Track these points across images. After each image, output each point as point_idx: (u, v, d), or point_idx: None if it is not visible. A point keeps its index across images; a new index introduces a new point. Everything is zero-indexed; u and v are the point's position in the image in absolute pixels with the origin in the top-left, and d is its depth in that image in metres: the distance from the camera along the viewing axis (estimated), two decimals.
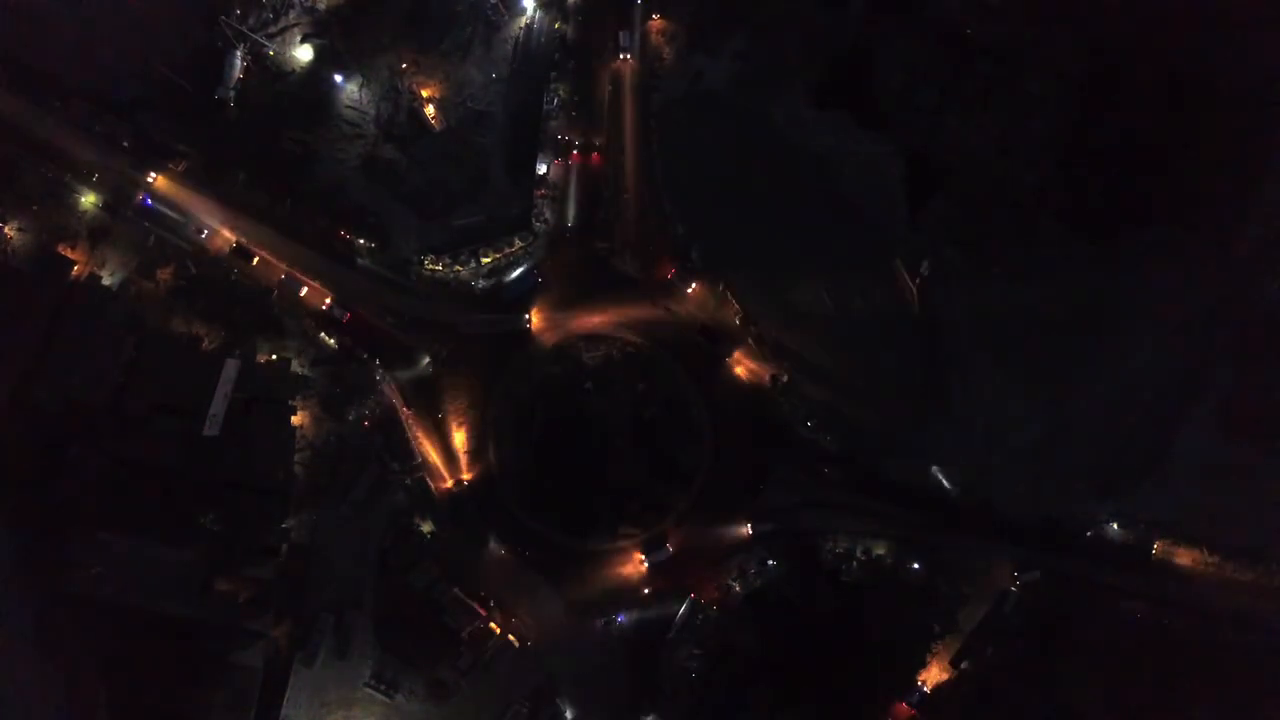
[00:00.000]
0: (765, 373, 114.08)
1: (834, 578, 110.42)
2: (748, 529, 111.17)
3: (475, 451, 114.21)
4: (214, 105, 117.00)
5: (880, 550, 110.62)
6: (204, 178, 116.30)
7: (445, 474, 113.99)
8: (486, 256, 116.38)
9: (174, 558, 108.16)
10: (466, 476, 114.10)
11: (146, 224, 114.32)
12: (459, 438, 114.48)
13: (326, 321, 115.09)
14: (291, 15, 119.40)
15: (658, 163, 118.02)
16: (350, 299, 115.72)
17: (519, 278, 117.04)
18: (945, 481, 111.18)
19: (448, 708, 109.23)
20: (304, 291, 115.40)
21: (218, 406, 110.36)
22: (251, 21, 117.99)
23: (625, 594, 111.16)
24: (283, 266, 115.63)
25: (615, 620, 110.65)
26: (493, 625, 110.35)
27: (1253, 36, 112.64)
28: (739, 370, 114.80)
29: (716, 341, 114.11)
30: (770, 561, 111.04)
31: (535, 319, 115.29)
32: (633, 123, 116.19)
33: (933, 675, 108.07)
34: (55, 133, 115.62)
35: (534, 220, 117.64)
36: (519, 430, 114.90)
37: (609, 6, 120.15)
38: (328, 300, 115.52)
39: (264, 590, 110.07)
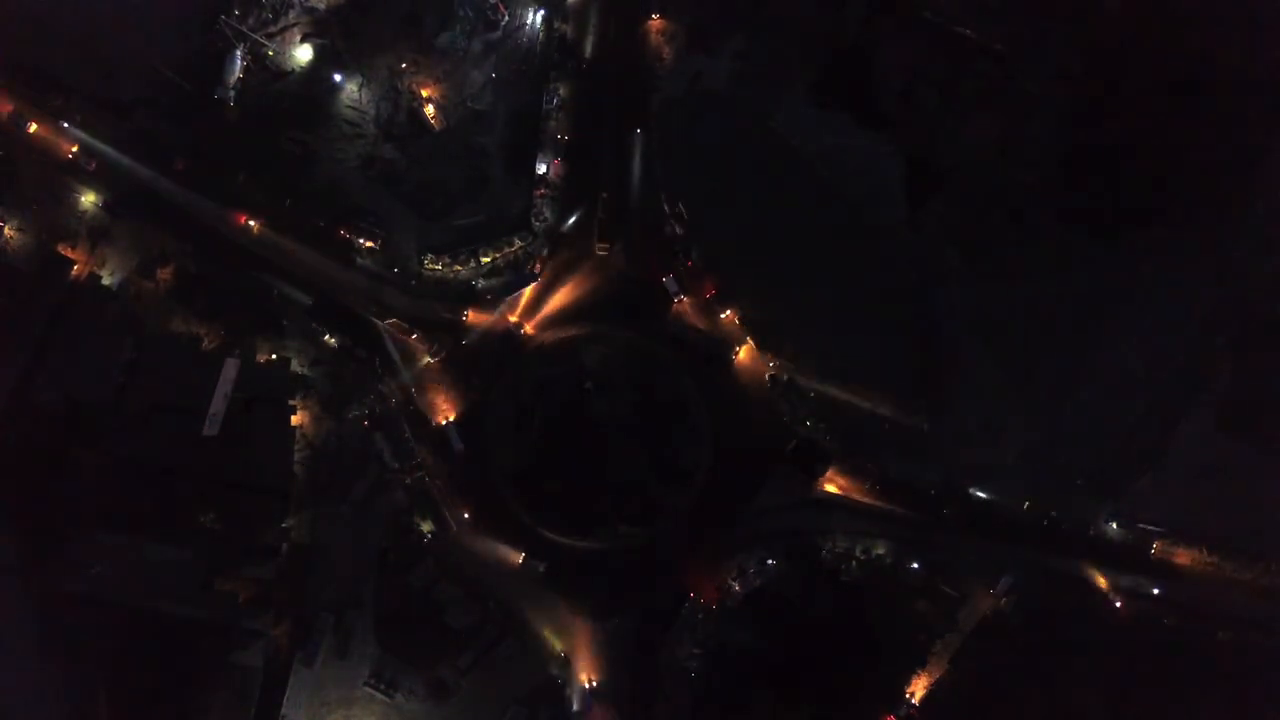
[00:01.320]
0: (765, 372, 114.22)
1: (834, 577, 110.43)
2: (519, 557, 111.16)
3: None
4: (214, 105, 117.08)
5: (880, 550, 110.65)
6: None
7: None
8: (486, 256, 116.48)
9: (174, 558, 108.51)
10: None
11: None
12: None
13: (74, 171, 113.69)
14: (291, 15, 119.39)
15: (658, 163, 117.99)
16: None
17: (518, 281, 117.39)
18: (985, 496, 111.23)
19: (448, 708, 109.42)
20: (33, 128, 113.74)
21: (218, 406, 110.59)
22: (251, 21, 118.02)
23: (626, 594, 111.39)
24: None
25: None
26: (493, 625, 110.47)
27: (1253, 36, 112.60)
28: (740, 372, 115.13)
29: (812, 460, 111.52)
30: (770, 561, 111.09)
31: None
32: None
33: (932, 675, 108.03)
34: (55, 133, 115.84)
35: (534, 220, 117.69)
36: (519, 430, 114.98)
37: (609, 8, 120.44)
38: (74, 149, 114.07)
39: (264, 590, 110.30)
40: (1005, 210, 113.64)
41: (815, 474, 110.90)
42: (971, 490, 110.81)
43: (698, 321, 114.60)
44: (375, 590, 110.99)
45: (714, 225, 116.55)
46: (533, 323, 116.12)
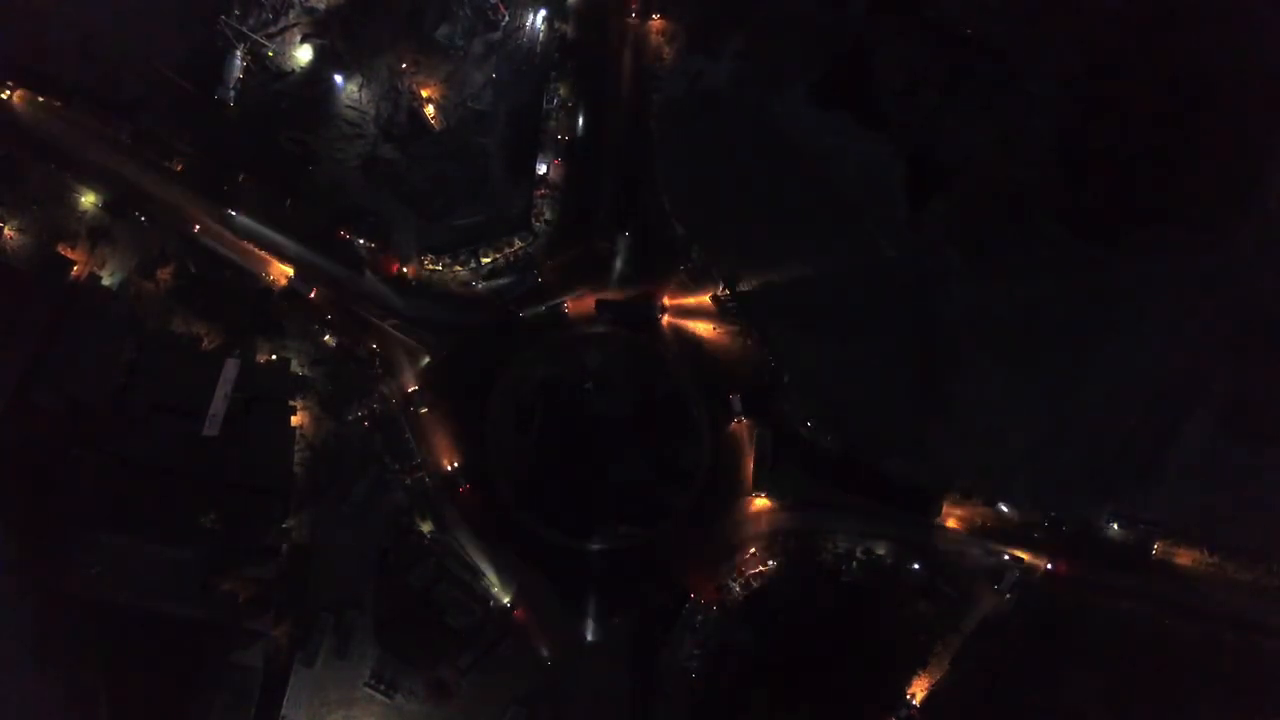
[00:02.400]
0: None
1: (834, 578, 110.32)
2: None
3: None
4: (214, 105, 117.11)
5: (880, 550, 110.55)
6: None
7: None
8: (486, 256, 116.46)
9: (174, 558, 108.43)
10: None
11: None
12: None
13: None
14: (291, 15, 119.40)
15: (658, 163, 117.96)
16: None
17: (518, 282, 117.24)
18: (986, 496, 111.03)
19: (448, 708, 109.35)
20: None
21: (218, 406, 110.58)
22: (251, 21, 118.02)
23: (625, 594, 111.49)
24: None
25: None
26: (492, 625, 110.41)
27: (1253, 36, 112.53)
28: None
29: (925, 504, 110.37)
30: (770, 562, 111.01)
31: None
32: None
33: (932, 676, 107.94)
34: (56, 133, 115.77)
35: (534, 220, 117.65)
36: (519, 430, 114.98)
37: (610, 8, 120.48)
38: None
39: (264, 590, 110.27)
40: (1005, 210, 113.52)
41: (932, 514, 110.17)
42: (972, 490, 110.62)
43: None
44: (375, 590, 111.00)
45: (714, 225, 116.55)
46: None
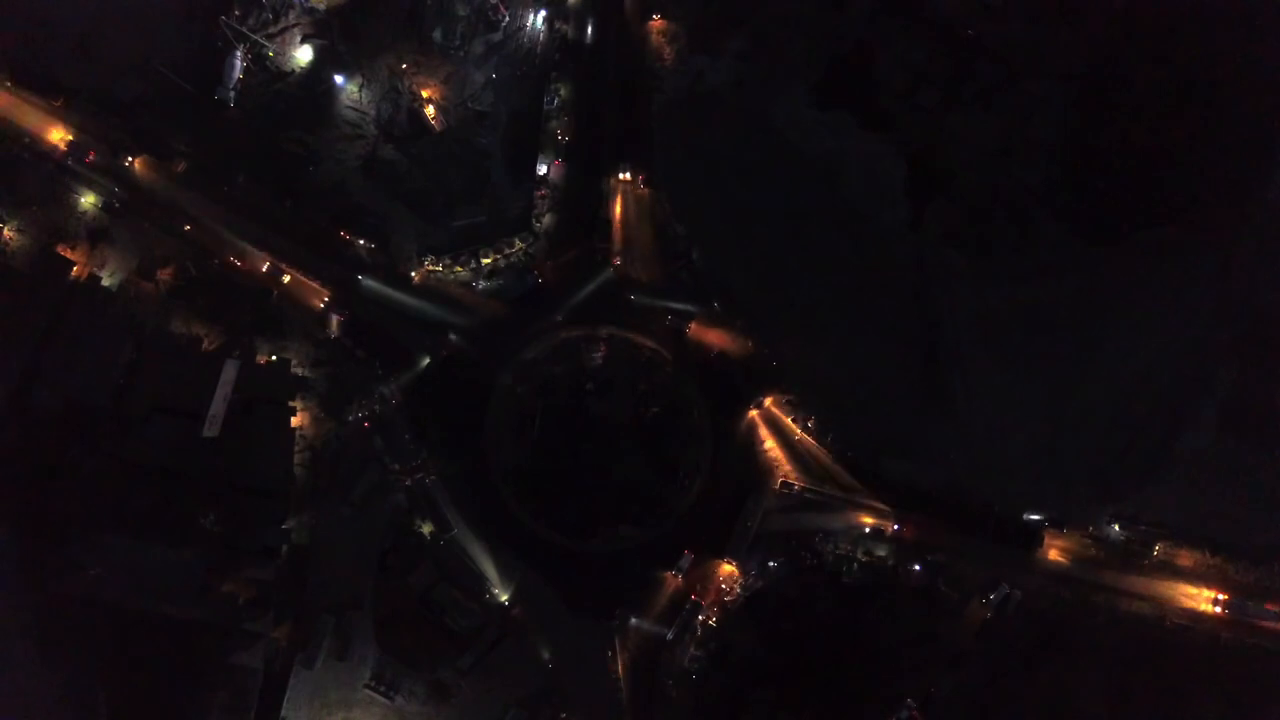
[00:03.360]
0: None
1: (835, 579, 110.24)
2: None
3: None
4: (214, 105, 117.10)
5: (881, 551, 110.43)
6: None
7: None
8: (486, 257, 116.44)
9: (174, 558, 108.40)
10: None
11: None
12: None
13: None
14: (291, 15, 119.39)
15: (658, 164, 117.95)
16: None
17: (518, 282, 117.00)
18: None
19: (448, 708, 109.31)
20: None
21: (218, 407, 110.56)
22: (251, 21, 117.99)
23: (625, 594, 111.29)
24: None
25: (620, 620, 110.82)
26: (493, 626, 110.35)
27: (1254, 37, 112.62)
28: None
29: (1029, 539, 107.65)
30: (770, 562, 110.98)
31: None
32: None
33: (933, 677, 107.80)
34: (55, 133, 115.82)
35: (534, 220, 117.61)
36: (519, 430, 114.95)
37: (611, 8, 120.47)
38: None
39: (264, 591, 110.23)
40: (1006, 210, 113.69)
41: (1034, 548, 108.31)
42: (972, 490, 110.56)
43: None
44: (375, 592, 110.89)
45: (714, 226, 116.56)
46: None
